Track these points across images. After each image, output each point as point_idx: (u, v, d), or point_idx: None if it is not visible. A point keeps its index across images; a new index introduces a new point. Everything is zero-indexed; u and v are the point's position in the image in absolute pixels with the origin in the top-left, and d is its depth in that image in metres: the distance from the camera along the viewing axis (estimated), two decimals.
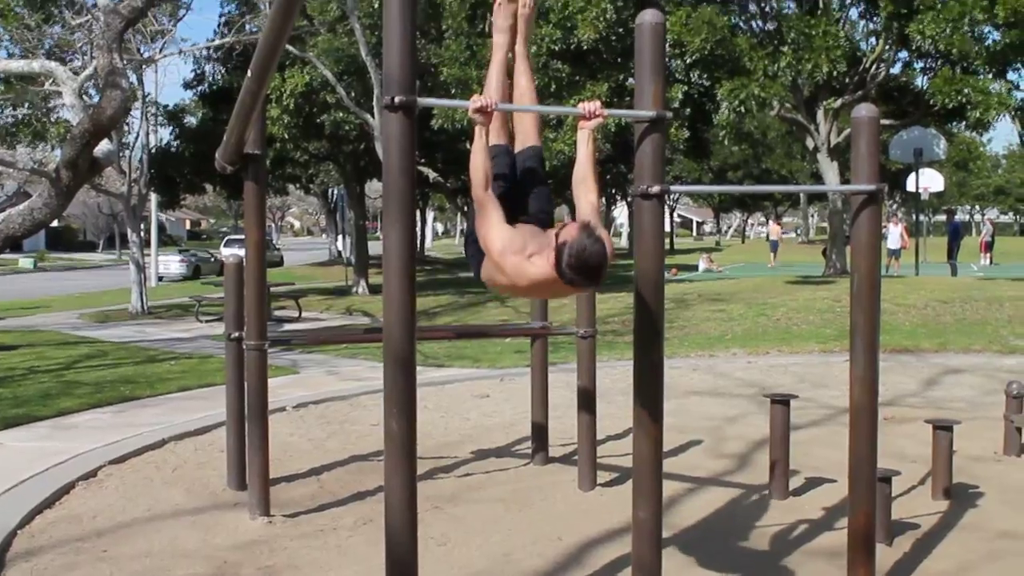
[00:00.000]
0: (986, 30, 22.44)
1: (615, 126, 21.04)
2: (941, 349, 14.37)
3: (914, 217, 41.55)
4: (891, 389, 10.64)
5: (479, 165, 4.07)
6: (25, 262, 52.69)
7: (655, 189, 4.15)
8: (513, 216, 4.28)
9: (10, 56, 22.69)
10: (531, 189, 4.59)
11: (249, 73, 5.23)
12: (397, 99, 3.57)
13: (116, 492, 7.23)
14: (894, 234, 32.73)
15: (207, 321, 20.79)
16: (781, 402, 6.91)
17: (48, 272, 49.98)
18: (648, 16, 4.21)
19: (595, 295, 7.34)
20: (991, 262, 40.91)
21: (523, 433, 8.55)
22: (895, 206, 66.17)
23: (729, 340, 15.72)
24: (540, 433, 7.99)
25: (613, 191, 49.81)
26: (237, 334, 7.07)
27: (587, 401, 7.34)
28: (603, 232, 4.05)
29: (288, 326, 20.13)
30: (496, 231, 4.07)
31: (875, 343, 4.75)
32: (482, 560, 5.64)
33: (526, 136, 4.73)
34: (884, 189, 4.75)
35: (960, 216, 60.66)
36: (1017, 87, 24.03)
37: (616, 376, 11.34)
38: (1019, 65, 23.41)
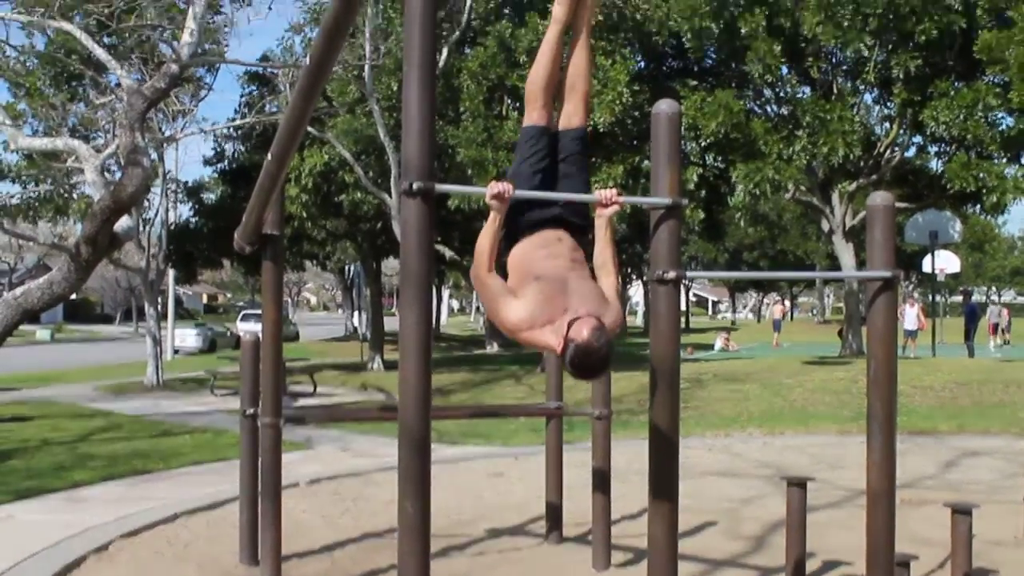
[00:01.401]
0: (1000, 116, 22.58)
1: (631, 207, 21.15)
2: (959, 431, 14.28)
3: (930, 298, 41.47)
4: (909, 471, 10.55)
5: (486, 248, 4.07)
6: (43, 333, 52.93)
7: (671, 275, 4.18)
8: (543, 206, 4.27)
9: (34, 133, 23.04)
10: (566, 179, 4.48)
11: (269, 156, 5.32)
12: (416, 185, 3.62)
13: (127, 567, 7.21)
14: (910, 315, 32.63)
15: (222, 395, 20.81)
16: (798, 484, 6.87)
17: (65, 344, 50.17)
18: (664, 106, 4.28)
19: (610, 375, 7.35)
20: (1005, 343, 40.73)
21: (537, 512, 8.51)
22: (911, 287, 66.11)
23: (745, 420, 15.65)
24: (554, 512, 7.95)
25: (628, 270, 49.91)
26: (252, 411, 7.10)
27: (602, 481, 7.31)
28: (615, 313, 4.07)
29: (303, 401, 20.12)
30: (504, 311, 4.04)
31: (893, 430, 4.74)
32: None
33: (572, 116, 4.58)
34: (900, 275, 4.78)
35: (977, 297, 60.56)
36: None
37: (631, 455, 11.28)
38: None
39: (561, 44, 4.58)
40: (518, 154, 4.57)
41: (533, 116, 4.54)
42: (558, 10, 4.58)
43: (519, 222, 4.27)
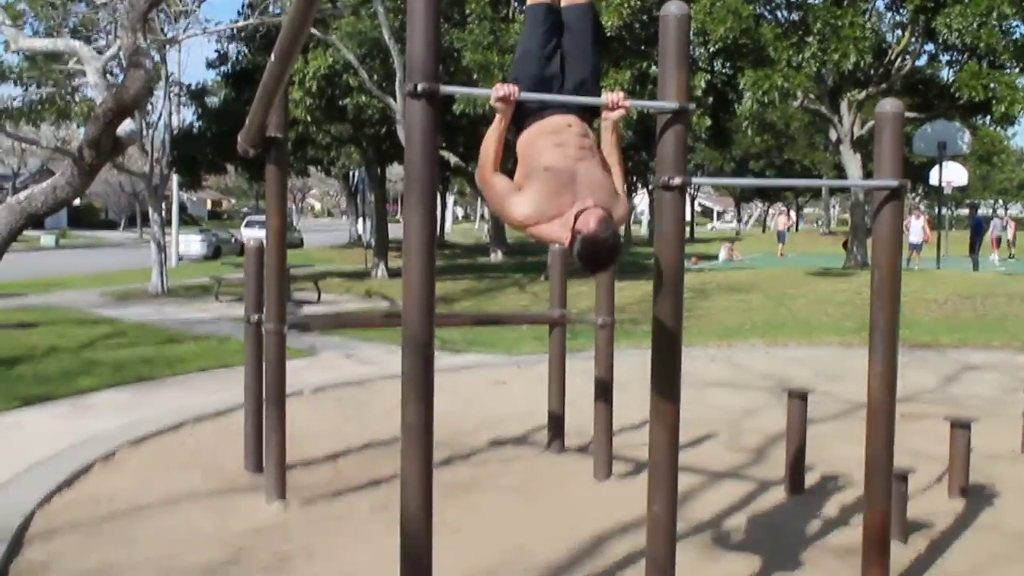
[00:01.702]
0: (1014, 24, 22.23)
1: (637, 113, 20.97)
2: (961, 345, 14.30)
3: (936, 211, 41.32)
4: (909, 385, 10.58)
5: (491, 150, 4.01)
6: (47, 239, 52.90)
7: (677, 181, 4.13)
8: (548, 88, 4.19)
9: (35, 34, 22.76)
10: (573, 60, 4.34)
11: (272, 57, 5.22)
12: (420, 86, 3.56)
13: (134, 474, 7.27)
14: (916, 227, 32.54)
15: (226, 302, 20.85)
16: (798, 396, 6.89)
17: (69, 250, 50.21)
18: (673, 7, 4.18)
19: (613, 283, 7.32)
20: (1011, 256, 40.68)
21: (539, 422, 8.55)
22: (917, 199, 65.93)
23: (748, 331, 15.68)
24: (556, 422, 8.00)
25: (634, 179, 49.65)
26: (257, 317, 7.10)
27: (604, 391, 7.33)
28: (622, 206, 4.03)
29: (307, 308, 20.17)
30: (510, 208, 3.99)
31: (895, 341, 4.72)
32: (495, 551, 5.64)
33: None
34: (907, 185, 4.72)
35: (983, 210, 60.34)
36: None
37: (634, 364, 11.29)
38: None
39: None
40: (524, 35, 4.45)
41: None
42: None
43: (527, 107, 4.18)
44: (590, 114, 4.32)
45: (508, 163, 4.04)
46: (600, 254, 3.83)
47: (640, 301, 18.12)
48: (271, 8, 23.68)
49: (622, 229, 4.29)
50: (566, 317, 7.86)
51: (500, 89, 3.93)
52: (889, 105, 4.75)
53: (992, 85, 21.63)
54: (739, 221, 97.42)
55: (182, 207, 49.97)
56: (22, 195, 12.94)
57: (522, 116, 4.17)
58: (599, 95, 4.28)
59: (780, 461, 7.15)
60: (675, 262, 4.25)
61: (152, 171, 24.58)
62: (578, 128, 4.16)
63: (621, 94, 4.14)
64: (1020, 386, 10.81)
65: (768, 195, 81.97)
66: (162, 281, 23.75)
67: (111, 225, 78.37)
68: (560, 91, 4.26)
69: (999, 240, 40.43)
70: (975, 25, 21.28)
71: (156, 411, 9.30)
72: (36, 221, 12.22)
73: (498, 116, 3.99)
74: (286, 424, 6.63)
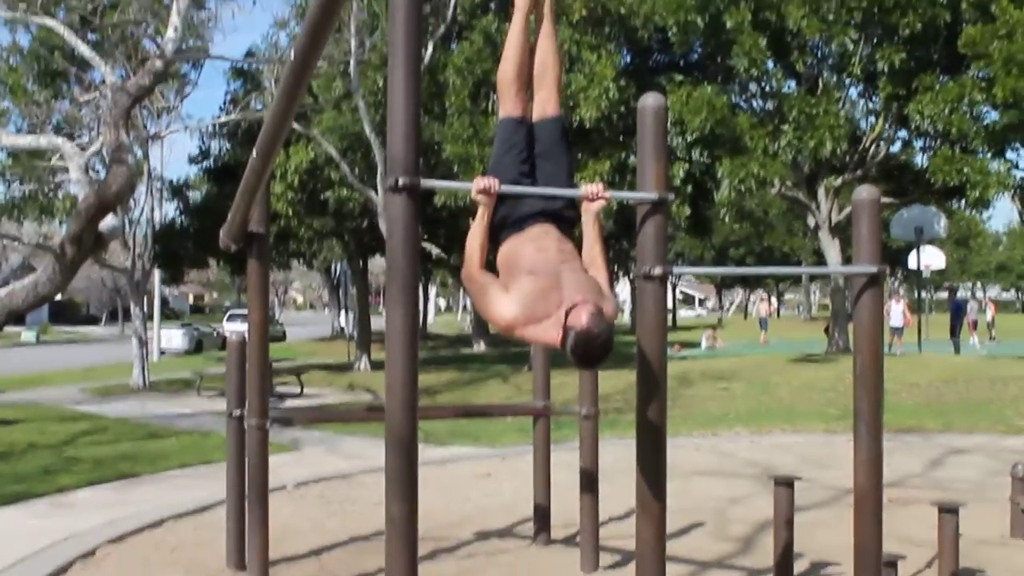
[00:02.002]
0: (985, 110, 22.64)
1: (617, 203, 21.15)
2: (945, 429, 14.29)
3: (916, 294, 41.59)
4: (895, 470, 10.54)
5: (476, 246, 4.04)
6: (28, 335, 52.68)
7: (658, 271, 4.16)
8: (524, 199, 4.22)
9: (19, 131, 22.92)
10: (547, 169, 4.39)
11: (254, 153, 5.27)
12: (401, 181, 3.58)
13: (114, 572, 7.15)
14: (896, 312, 32.69)
15: (208, 396, 20.72)
16: (785, 484, 6.85)
17: (51, 345, 49.95)
18: (650, 100, 4.25)
19: (597, 373, 7.31)
20: (991, 339, 40.90)
21: (525, 514, 8.46)
22: (897, 283, 66.32)
23: (732, 419, 15.64)
24: (542, 514, 7.92)
25: (615, 267, 49.89)
26: (239, 412, 7.05)
27: (590, 482, 7.28)
28: (611, 303, 4.04)
29: (290, 402, 20.05)
30: (497, 309, 3.99)
31: (879, 427, 4.72)
32: None
33: (545, 104, 4.51)
34: (886, 270, 4.76)
35: (962, 293, 60.79)
36: (1016, 166, 24.18)
37: (619, 455, 11.24)
38: (1018, 145, 23.58)
39: (527, 32, 4.53)
40: (497, 148, 4.50)
41: (508, 107, 4.48)
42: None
43: (504, 220, 4.20)
44: (568, 224, 4.36)
45: (491, 254, 4.07)
46: (594, 349, 3.84)
47: (624, 390, 18.08)
48: (252, 104, 23.96)
49: None
50: (550, 408, 7.83)
51: (480, 182, 3.97)
52: (865, 192, 4.81)
53: (965, 170, 21.93)
54: (721, 308, 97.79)
55: (164, 301, 49.87)
56: (3, 291, 12.93)
57: (500, 229, 4.21)
58: (574, 204, 4.34)
59: (768, 550, 7.07)
60: (658, 351, 4.25)
61: (134, 266, 24.62)
62: (556, 234, 4.22)
63: (601, 185, 4.19)
64: (1006, 469, 10.77)
65: (749, 282, 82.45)
66: (144, 376, 23.62)
67: (92, 320, 78.13)
68: (536, 204, 4.27)
69: (975, 323, 40.68)
70: (946, 111, 21.67)
71: (137, 508, 9.17)
72: (17, 317, 12.17)
73: (480, 210, 4.02)
74: (269, 520, 6.55)
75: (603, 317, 3.85)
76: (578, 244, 4.30)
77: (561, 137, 4.51)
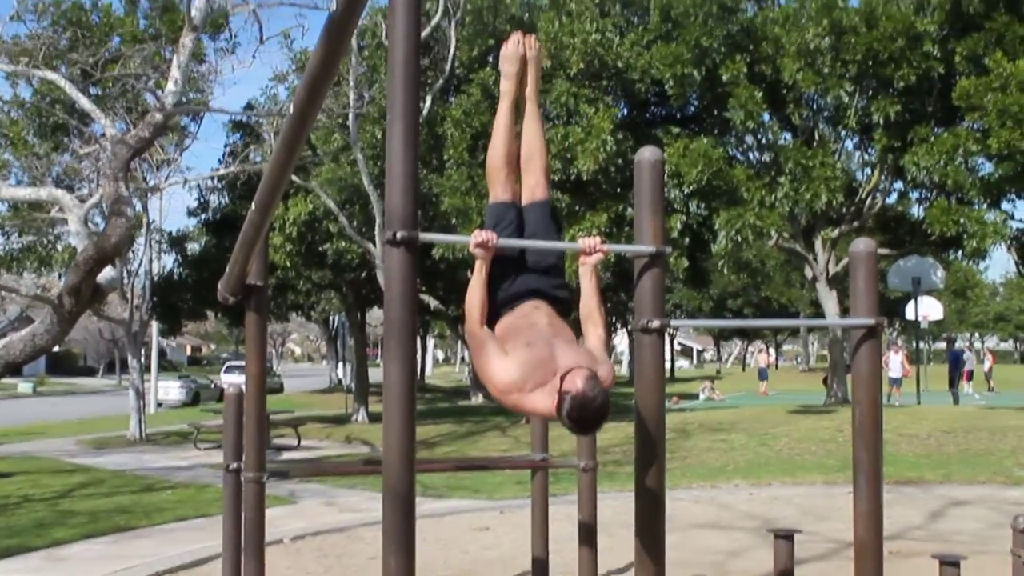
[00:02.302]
0: (980, 162, 22.78)
1: (615, 255, 21.17)
2: (945, 480, 14.22)
3: (914, 345, 41.58)
4: (896, 522, 10.49)
5: (476, 302, 4.05)
6: (24, 386, 52.51)
7: (655, 324, 4.16)
8: (515, 278, 4.25)
9: (19, 183, 23.01)
10: (538, 251, 4.42)
11: (253, 206, 5.29)
12: (399, 234, 3.59)
13: None
14: (895, 362, 32.69)
15: (205, 449, 20.63)
16: (785, 537, 6.81)
17: (47, 397, 49.78)
18: (647, 153, 4.27)
19: None
20: (990, 389, 40.86)
21: (524, 567, 8.40)
22: (895, 334, 66.30)
23: (731, 471, 15.57)
24: (541, 568, 7.85)
25: (613, 319, 49.94)
26: (235, 465, 7.01)
27: (588, 535, 7.23)
28: (607, 368, 4.03)
29: (287, 454, 19.96)
30: (494, 369, 3.99)
31: (879, 480, 4.70)
32: None
33: (534, 189, 4.57)
34: (883, 323, 4.76)
35: (960, 344, 60.80)
36: (1012, 217, 24.30)
37: (618, 507, 11.19)
38: (1013, 195, 23.70)
39: (514, 117, 4.61)
40: (488, 226, 4.49)
41: (498, 192, 4.54)
42: (505, 84, 4.66)
43: (497, 298, 4.23)
44: (562, 305, 4.36)
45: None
46: (590, 413, 3.82)
47: (623, 443, 18.02)
48: (251, 156, 24.08)
49: None
50: (548, 461, 7.79)
51: (479, 236, 3.98)
52: (862, 245, 4.82)
53: (961, 220, 22.02)
54: (719, 359, 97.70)
55: (161, 353, 49.80)
56: (0, 343, 12.90)
57: (494, 309, 4.22)
58: (564, 277, 4.42)
59: None
60: (656, 404, 4.24)
61: (132, 318, 24.60)
62: (547, 309, 4.25)
63: (598, 239, 4.21)
64: (1007, 521, 10.70)
65: (747, 333, 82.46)
66: (140, 428, 23.53)
67: (90, 371, 77.96)
68: (529, 283, 4.31)
69: (970, 374, 40.73)
70: (942, 163, 21.79)
71: (133, 562, 9.11)
72: (14, 368, 12.16)
73: (478, 264, 4.03)
74: (265, 574, 6.50)
75: (599, 381, 3.84)
76: (576, 297, 4.32)
77: (550, 220, 4.59)
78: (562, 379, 3.85)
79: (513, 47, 4.65)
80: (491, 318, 4.20)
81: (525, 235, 4.48)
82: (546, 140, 4.81)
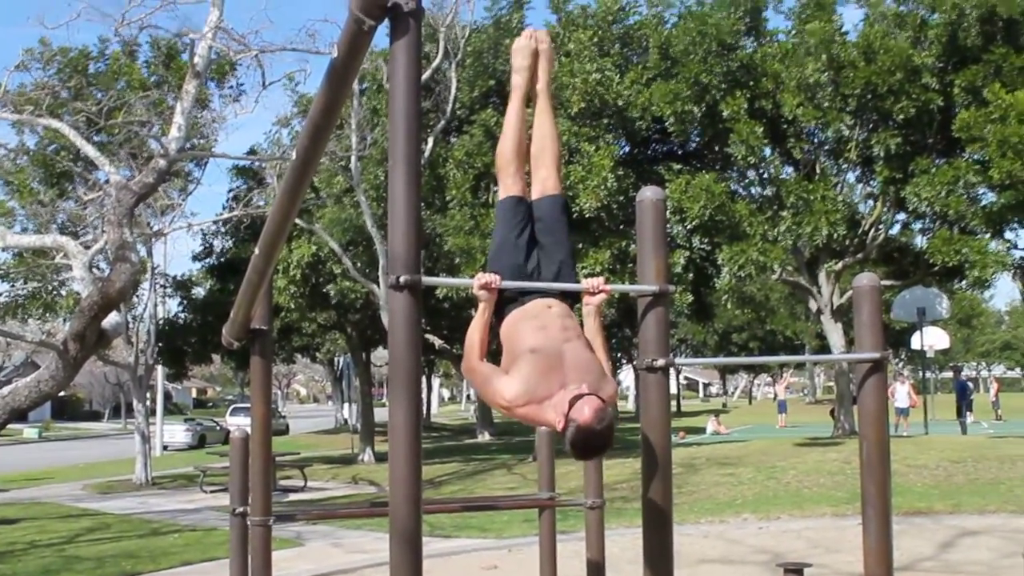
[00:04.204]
0: (981, 192, 22.83)
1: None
2: (955, 511, 14.16)
3: (921, 375, 41.46)
4: (906, 553, 10.44)
5: (476, 340, 4.04)
6: (30, 432, 52.42)
7: (660, 363, 4.16)
8: (526, 277, 4.23)
9: (23, 230, 23.12)
10: (548, 247, 4.39)
11: (256, 250, 5.30)
12: (403, 279, 3.60)
13: None
14: (901, 393, 32.61)
15: (211, 492, 20.58)
16: (795, 571, 6.79)
17: (53, 442, 49.70)
18: (649, 193, 4.30)
19: (602, 463, 7.27)
20: (997, 418, 40.74)
21: None
22: (901, 364, 66.12)
23: (739, 505, 15.51)
24: None
25: (619, 355, 49.88)
26: (242, 509, 7.00)
27: (597, 573, 7.19)
28: (611, 388, 4.04)
29: (293, 496, 19.91)
30: (499, 389, 3.97)
31: (888, 513, 4.68)
32: None
33: (545, 182, 4.52)
34: (888, 356, 4.76)
35: (967, 373, 60.66)
36: (1015, 246, 24.32)
37: (625, 544, 11.15)
38: (1016, 225, 23.73)
39: (524, 112, 4.58)
40: (499, 227, 4.51)
41: (508, 186, 4.50)
42: (516, 78, 4.61)
43: (506, 294, 4.19)
44: (571, 298, 4.36)
45: (492, 343, 4.08)
46: (593, 444, 3.84)
47: (630, 479, 17.97)
48: (255, 200, 24.19)
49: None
50: (555, 500, 7.77)
51: (482, 278, 3.99)
52: (865, 280, 4.83)
53: (964, 250, 22.04)
54: (725, 393, 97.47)
55: (167, 396, 49.75)
56: (6, 390, 12.93)
57: (502, 303, 4.21)
58: (575, 278, 4.37)
59: None
60: (662, 443, 4.23)
61: (137, 362, 24.62)
62: (559, 309, 4.18)
63: (601, 279, 4.22)
64: (1018, 550, 10.67)
65: (753, 366, 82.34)
66: (146, 472, 23.50)
67: (95, 416, 77.78)
68: (538, 278, 4.30)
69: (970, 403, 40.65)
70: (943, 194, 21.84)
71: None
72: (20, 415, 12.17)
73: (481, 305, 4.03)
74: None
75: (606, 411, 3.85)
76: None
77: (562, 213, 4.52)
78: (571, 404, 3.84)
79: (524, 40, 4.61)
80: (500, 311, 4.18)
81: (536, 230, 4.44)
82: (558, 133, 4.77)
